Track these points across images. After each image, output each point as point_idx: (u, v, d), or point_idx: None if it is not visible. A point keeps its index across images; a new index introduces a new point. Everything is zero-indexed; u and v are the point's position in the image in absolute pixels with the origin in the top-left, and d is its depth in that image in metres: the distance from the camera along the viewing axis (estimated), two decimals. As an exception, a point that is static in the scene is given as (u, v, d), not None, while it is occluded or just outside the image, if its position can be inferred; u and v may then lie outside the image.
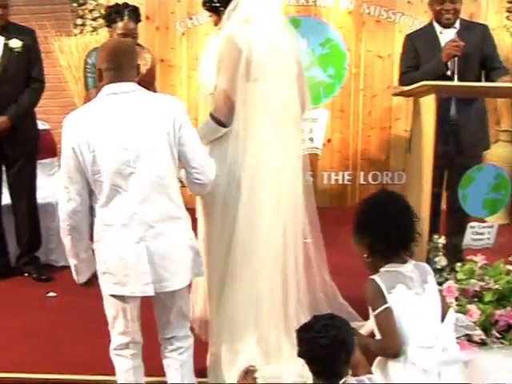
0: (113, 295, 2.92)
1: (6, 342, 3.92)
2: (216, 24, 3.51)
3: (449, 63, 4.32)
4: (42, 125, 5.24)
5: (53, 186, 5.46)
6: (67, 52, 6.33)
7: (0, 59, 4.68)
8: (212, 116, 3.32)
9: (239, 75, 3.27)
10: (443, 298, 2.92)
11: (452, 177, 4.39)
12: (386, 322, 2.72)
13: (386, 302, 2.72)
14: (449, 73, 4.32)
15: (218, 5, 3.43)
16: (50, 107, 6.05)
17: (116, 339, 3.04)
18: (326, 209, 3.90)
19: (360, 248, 2.91)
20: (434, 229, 3.79)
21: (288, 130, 3.48)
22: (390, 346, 2.71)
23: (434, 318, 2.79)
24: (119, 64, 2.91)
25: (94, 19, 6.64)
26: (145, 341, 3.07)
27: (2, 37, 4.69)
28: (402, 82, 4.63)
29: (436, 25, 4.56)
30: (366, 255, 2.88)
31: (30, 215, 4.97)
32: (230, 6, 3.35)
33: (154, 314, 3.06)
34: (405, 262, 2.85)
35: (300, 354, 2.35)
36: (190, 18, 6.85)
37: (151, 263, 2.83)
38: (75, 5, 6.63)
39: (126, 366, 3.06)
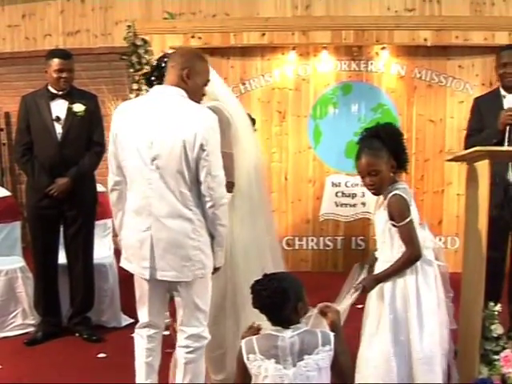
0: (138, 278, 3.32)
1: (56, 402, 3.92)
2: None
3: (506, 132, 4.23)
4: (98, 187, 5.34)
5: (106, 247, 5.55)
6: (123, 116, 6.48)
7: (63, 122, 4.81)
8: None
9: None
10: None
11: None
12: (413, 230, 3.18)
13: (410, 214, 3.19)
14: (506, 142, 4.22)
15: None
16: (105, 169, 6.16)
17: (139, 318, 3.42)
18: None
19: (384, 166, 3.26)
20: (492, 295, 3.68)
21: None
22: (417, 250, 3.17)
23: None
24: (170, 67, 3.28)
25: (150, 84, 6.81)
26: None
27: (66, 101, 4.85)
28: (466, 145, 4.56)
29: (501, 89, 4.56)
30: (392, 171, 3.30)
31: (85, 276, 5.02)
32: None
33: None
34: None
35: (253, 305, 2.74)
36: (243, 84, 7.00)
37: (152, 251, 3.17)
38: (131, 70, 6.82)
39: (140, 345, 3.41)
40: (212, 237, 3.25)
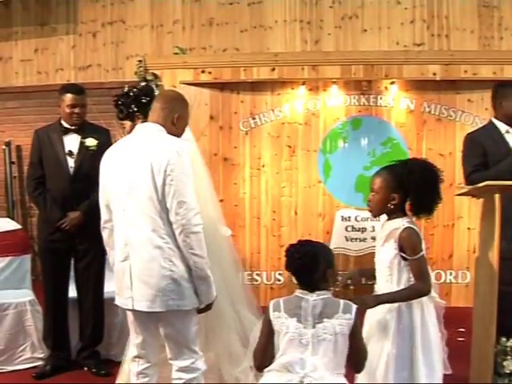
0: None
1: None
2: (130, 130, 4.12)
3: None
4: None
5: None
6: (133, 150, 6.53)
7: (75, 157, 4.87)
8: None
9: None
10: None
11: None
12: (425, 265, 3.18)
13: (423, 249, 3.18)
14: None
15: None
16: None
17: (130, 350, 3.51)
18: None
19: (383, 191, 3.28)
20: (504, 330, 3.65)
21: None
22: (427, 286, 3.16)
23: None
24: (154, 106, 3.45)
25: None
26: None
27: (79, 135, 4.90)
28: (472, 181, 4.32)
29: (497, 122, 4.46)
30: (393, 203, 3.27)
31: (95, 310, 5.01)
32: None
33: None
34: None
35: (285, 268, 3.03)
36: (253, 118, 7.03)
37: (131, 281, 3.21)
38: (142, 105, 6.87)
39: (132, 381, 3.43)
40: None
